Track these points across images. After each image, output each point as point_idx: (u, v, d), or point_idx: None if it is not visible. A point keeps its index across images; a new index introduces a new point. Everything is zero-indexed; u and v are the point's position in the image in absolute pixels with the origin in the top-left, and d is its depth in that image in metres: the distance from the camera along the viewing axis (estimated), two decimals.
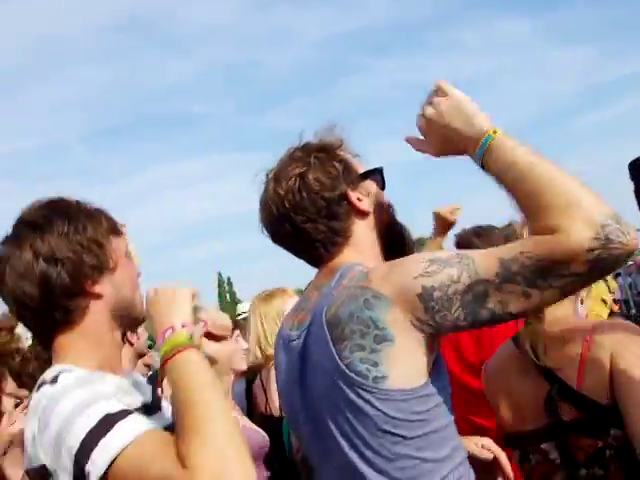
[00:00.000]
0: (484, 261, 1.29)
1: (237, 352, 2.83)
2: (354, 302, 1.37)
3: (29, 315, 1.41)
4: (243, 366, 2.93)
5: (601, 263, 1.21)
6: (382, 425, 1.35)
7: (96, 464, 1.18)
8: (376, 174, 1.66)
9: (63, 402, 1.25)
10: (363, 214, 1.59)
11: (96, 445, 1.18)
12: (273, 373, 3.13)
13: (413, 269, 1.34)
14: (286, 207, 1.55)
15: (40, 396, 1.31)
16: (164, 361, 1.31)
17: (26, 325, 1.48)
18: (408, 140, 1.54)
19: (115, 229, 1.50)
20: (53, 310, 1.39)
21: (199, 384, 1.25)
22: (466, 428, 1.92)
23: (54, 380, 1.32)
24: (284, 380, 1.62)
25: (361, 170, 1.63)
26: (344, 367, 1.36)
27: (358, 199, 1.58)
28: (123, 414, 1.24)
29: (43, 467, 1.25)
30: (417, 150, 1.53)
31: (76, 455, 1.20)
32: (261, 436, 2.68)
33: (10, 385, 2.70)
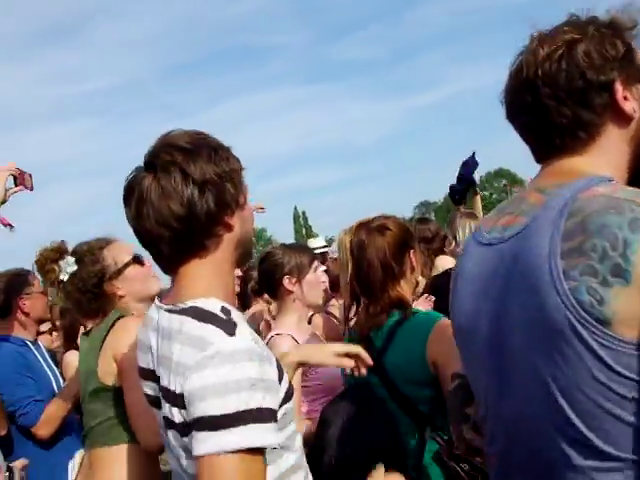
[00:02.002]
0: None
1: (315, 286, 2.88)
2: (617, 215, 1.10)
3: (167, 234, 1.40)
4: (319, 300, 2.99)
5: None
6: (597, 374, 1.10)
7: (202, 444, 1.24)
8: None
9: (234, 365, 1.27)
10: (623, 118, 1.28)
11: (219, 429, 1.22)
12: None
13: None
14: (537, 74, 1.28)
15: (203, 332, 1.33)
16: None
17: (157, 250, 1.46)
18: None
19: (242, 170, 1.51)
20: (193, 232, 1.40)
21: None
22: None
23: (233, 329, 1.33)
24: (469, 289, 1.38)
25: None
26: (567, 290, 1.11)
27: (625, 97, 1.27)
28: (264, 418, 1.26)
29: (182, 396, 1.30)
30: None
31: (199, 419, 1.24)
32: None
33: None
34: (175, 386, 1.33)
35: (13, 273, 3.40)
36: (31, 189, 2.96)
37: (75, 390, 3.08)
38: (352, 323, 2.47)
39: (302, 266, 2.84)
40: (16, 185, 2.88)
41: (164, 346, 1.41)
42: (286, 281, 2.83)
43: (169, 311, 1.43)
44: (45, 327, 4.26)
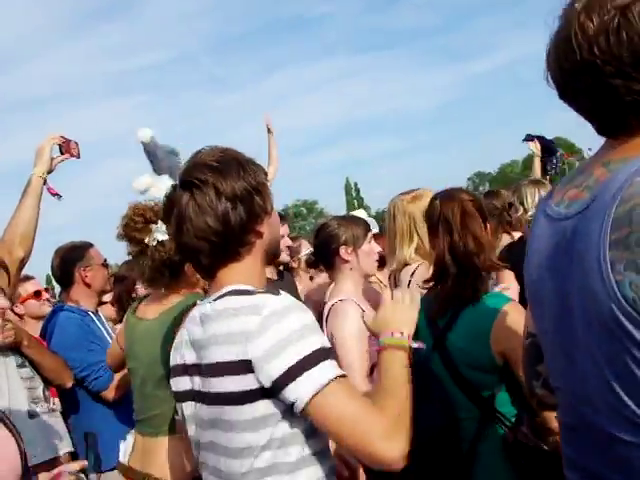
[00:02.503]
0: None
1: (370, 256, 2.91)
2: None
3: (206, 247, 1.56)
4: (373, 270, 3.01)
5: None
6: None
7: (306, 387, 1.40)
8: None
9: (290, 318, 1.45)
10: None
11: (308, 370, 1.41)
12: (402, 277, 3.22)
13: None
14: (593, 52, 1.13)
15: (259, 301, 1.49)
16: (387, 346, 1.61)
17: (197, 261, 1.61)
18: None
19: (266, 175, 1.66)
20: (228, 243, 1.56)
21: (404, 381, 1.53)
22: None
23: (277, 293, 1.52)
24: (536, 261, 1.34)
25: None
26: (613, 282, 1.08)
27: None
28: (330, 352, 1.47)
29: (249, 362, 1.44)
30: None
31: (292, 368, 1.41)
32: None
33: None
34: (236, 355, 1.46)
35: (74, 245, 3.52)
36: (78, 157, 2.98)
37: None
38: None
39: (358, 236, 2.87)
40: (62, 154, 2.92)
41: (211, 327, 1.54)
42: (342, 251, 2.84)
43: (212, 301, 1.57)
44: (107, 298, 4.39)
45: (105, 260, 3.58)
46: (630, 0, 1.11)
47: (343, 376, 1.44)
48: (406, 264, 3.21)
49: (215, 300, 1.56)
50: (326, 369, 1.42)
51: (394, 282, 3.37)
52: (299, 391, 1.40)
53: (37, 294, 3.66)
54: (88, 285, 3.44)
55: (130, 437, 2.57)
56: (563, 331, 1.26)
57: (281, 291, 1.54)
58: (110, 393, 3.22)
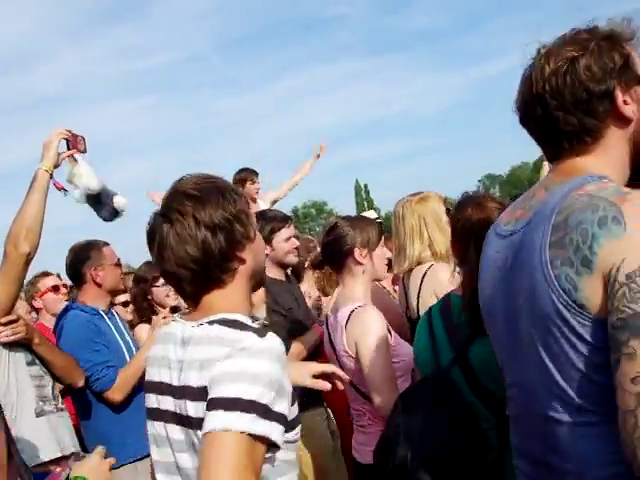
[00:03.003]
0: None
1: (383, 260, 2.85)
2: (591, 212, 1.29)
3: (187, 275, 1.58)
4: (384, 274, 2.98)
5: None
6: (578, 347, 1.31)
7: (212, 420, 1.37)
8: None
9: (260, 360, 1.43)
10: (623, 120, 1.44)
11: (226, 409, 1.37)
12: (412, 278, 3.22)
13: None
14: (544, 88, 1.45)
15: (236, 335, 1.48)
16: None
17: (181, 287, 1.63)
18: None
19: (248, 203, 1.68)
20: (209, 270, 1.57)
21: None
22: None
23: (264, 333, 1.48)
24: (489, 276, 1.58)
25: None
26: (552, 276, 1.32)
27: (624, 102, 1.43)
28: (273, 417, 1.40)
29: (205, 389, 1.44)
30: None
31: (215, 399, 1.39)
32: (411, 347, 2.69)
33: None
34: (201, 381, 1.46)
35: (88, 244, 3.52)
36: (84, 151, 2.99)
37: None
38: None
39: (373, 239, 2.77)
40: (69, 149, 2.93)
41: (191, 352, 1.54)
42: (357, 253, 2.73)
43: (197, 325, 1.57)
44: (123, 298, 4.40)
45: (118, 260, 3.58)
46: (579, 54, 1.43)
47: (262, 442, 1.38)
48: (419, 262, 3.19)
49: (202, 325, 1.56)
50: (249, 422, 1.36)
51: (403, 284, 3.36)
52: (209, 422, 1.38)
53: (55, 289, 3.66)
54: (99, 284, 3.44)
55: None
56: (511, 332, 1.49)
57: (270, 334, 1.50)
58: (114, 394, 3.21)
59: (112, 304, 3.73)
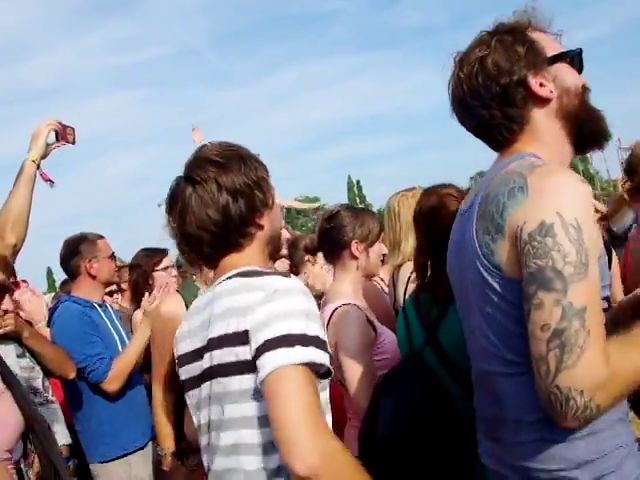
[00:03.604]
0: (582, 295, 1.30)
1: (378, 257, 2.83)
2: (504, 185, 1.43)
3: (207, 237, 1.64)
4: (378, 271, 2.96)
5: None
6: (500, 305, 1.44)
7: (270, 361, 1.40)
8: (570, 56, 1.58)
9: (292, 298, 1.49)
10: (543, 101, 1.54)
11: (281, 347, 1.41)
12: (402, 272, 3.22)
13: (565, 204, 1.33)
14: (464, 91, 1.57)
15: (267, 281, 1.53)
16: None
17: (200, 250, 1.68)
18: None
19: (267, 171, 1.73)
20: (229, 234, 1.64)
21: None
22: None
23: (287, 275, 1.56)
24: (451, 253, 1.70)
25: (554, 52, 1.56)
26: (477, 244, 1.47)
27: (541, 85, 1.53)
28: (320, 343, 1.46)
29: (247, 332, 1.48)
30: None
31: (267, 341, 1.42)
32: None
33: None
34: (236, 326, 1.50)
35: (82, 236, 3.53)
36: (73, 143, 2.96)
37: (141, 348, 3.24)
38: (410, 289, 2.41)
39: (372, 234, 2.73)
40: (57, 140, 2.90)
41: (216, 306, 1.58)
42: (354, 246, 2.68)
43: (218, 284, 1.62)
44: (108, 288, 4.37)
45: (113, 253, 3.60)
46: (485, 53, 1.54)
47: (316, 370, 1.44)
48: (410, 258, 3.19)
49: (224, 280, 1.61)
50: (301, 353, 1.41)
51: (393, 278, 3.39)
52: (267, 362, 1.41)
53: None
54: (93, 277, 3.46)
55: None
56: (465, 303, 1.61)
57: (292, 275, 1.58)
58: (108, 385, 3.23)
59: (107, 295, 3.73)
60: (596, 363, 1.27)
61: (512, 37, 1.55)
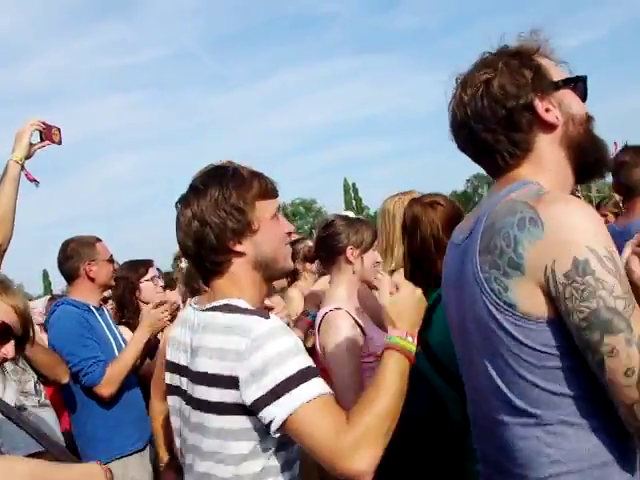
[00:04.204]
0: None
1: (373, 264, 2.86)
2: (511, 216, 1.36)
3: (190, 260, 1.75)
4: (372, 277, 2.92)
5: None
6: (512, 348, 1.37)
7: (283, 408, 1.48)
8: (576, 83, 1.55)
9: (281, 339, 1.53)
10: (549, 127, 1.49)
11: (288, 392, 1.48)
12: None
13: (590, 236, 1.29)
14: (467, 114, 1.52)
15: (248, 322, 1.57)
16: (395, 346, 1.62)
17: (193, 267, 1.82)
18: None
19: (266, 193, 1.71)
20: (204, 261, 1.68)
21: (396, 387, 1.56)
22: None
23: (267, 316, 1.59)
24: (447, 285, 1.65)
25: (559, 78, 1.53)
26: (483, 280, 1.39)
27: (546, 110, 1.48)
28: (315, 371, 1.54)
29: (236, 379, 1.53)
30: None
31: (282, 384, 1.49)
32: None
33: None
34: (221, 370, 1.55)
35: (81, 239, 3.52)
36: (59, 143, 2.95)
37: (137, 353, 3.24)
38: None
39: (366, 241, 2.82)
40: (42, 140, 2.88)
41: (202, 338, 1.63)
42: (349, 252, 2.78)
43: (204, 310, 1.67)
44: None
45: (111, 256, 3.59)
46: (491, 76, 1.49)
47: (323, 394, 1.52)
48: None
49: (206, 310, 1.66)
50: (304, 390, 1.49)
51: None
52: (276, 411, 1.48)
53: None
54: (92, 279, 3.45)
55: None
56: (463, 339, 1.55)
57: (271, 314, 1.61)
58: (102, 389, 3.21)
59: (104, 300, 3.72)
60: None
61: (519, 61, 1.50)
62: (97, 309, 3.50)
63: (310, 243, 4.63)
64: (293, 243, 5.22)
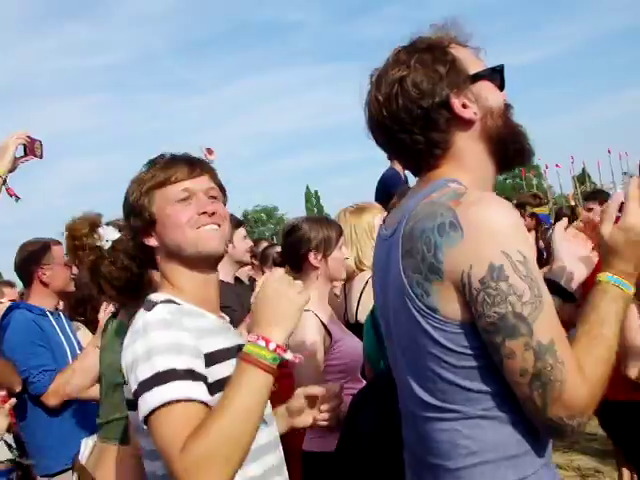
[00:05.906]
0: (546, 323, 1.30)
1: (340, 263, 2.88)
2: (431, 220, 1.35)
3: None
4: (342, 275, 2.99)
5: None
6: (431, 349, 1.38)
7: (142, 406, 1.44)
8: (492, 74, 1.51)
9: (153, 334, 1.49)
10: (467, 123, 1.46)
11: (149, 390, 1.43)
12: (355, 283, 3.30)
13: (506, 240, 1.30)
14: (383, 115, 1.47)
15: (138, 316, 1.58)
16: (245, 356, 1.47)
17: None
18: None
19: (164, 181, 1.66)
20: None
21: (248, 405, 1.43)
22: None
23: (152, 307, 1.57)
24: (376, 276, 1.64)
25: (476, 69, 1.49)
26: (406, 284, 1.38)
27: (463, 105, 1.45)
28: (182, 376, 1.44)
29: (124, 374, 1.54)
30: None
31: (139, 386, 1.46)
32: (361, 347, 2.76)
33: None
34: (124, 366, 1.56)
35: (37, 242, 3.41)
36: (40, 157, 2.91)
37: (90, 361, 3.16)
38: None
39: (329, 242, 2.81)
40: (26, 154, 2.84)
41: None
42: (312, 256, 2.77)
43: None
44: None
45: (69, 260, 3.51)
46: (404, 74, 1.44)
47: (179, 399, 1.41)
48: (353, 271, 3.28)
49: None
50: (156, 394, 1.42)
51: (344, 288, 3.44)
52: (140, 407, 1.45)
53: None
54: (46, 284, 3.36)
55: (91, 440, 2.53)
56: (389, 331, 1.56)
57: (157, 306, 1.56)
58: (48, 398, 3.14)
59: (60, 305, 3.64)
60: (577, 387, 1.29)
61: (432, 55, 1.46)
62: (52, 314, 3.41)
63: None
64: (265, 248, 5.24)
